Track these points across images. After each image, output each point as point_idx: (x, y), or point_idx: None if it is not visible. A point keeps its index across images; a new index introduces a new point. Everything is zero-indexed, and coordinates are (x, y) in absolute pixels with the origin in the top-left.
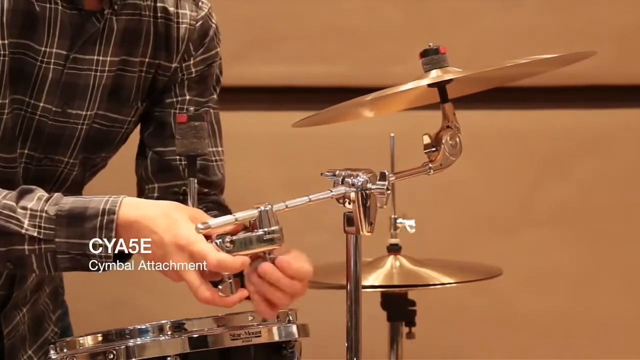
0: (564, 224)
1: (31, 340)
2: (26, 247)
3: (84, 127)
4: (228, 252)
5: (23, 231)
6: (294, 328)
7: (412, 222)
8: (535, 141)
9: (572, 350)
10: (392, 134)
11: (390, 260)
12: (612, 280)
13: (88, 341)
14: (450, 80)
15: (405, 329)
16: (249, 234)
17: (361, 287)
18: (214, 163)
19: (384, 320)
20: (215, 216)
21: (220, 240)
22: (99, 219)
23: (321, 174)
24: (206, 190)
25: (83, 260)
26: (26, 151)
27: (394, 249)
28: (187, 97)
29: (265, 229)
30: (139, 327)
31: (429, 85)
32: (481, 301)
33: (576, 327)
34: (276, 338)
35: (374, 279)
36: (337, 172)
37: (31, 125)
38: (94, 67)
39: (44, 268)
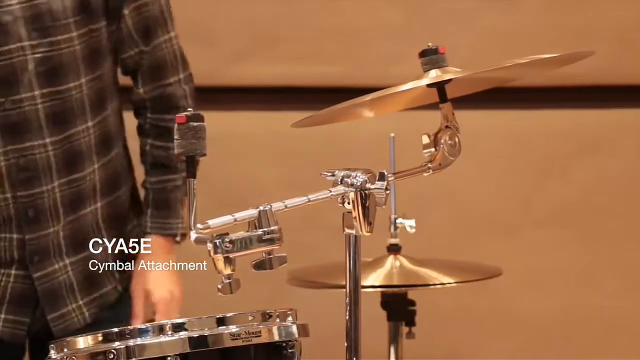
0: (564, 224)
1: (82, 291)
2: None
3: (29, 57)
4: (227, 252)
5: None
6: (294, 328)
7: (412, 222)
8: (535, 141)
9: (572, 350)
10: (392, 134)
11: (390, 260)
12: (612, 280)
13: (88, 341)
14: (449, 80)
15: (405, 329)
16: (248, 233)
17: (361, 287)
18: (165, 50)
19: (384, 320)
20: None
21: (219, 240)
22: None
23: (320, 174)
24: (165, 82)
25: None
26: None
27: (394, 249)
28: None
29: (265, 229)
30: (139, 327)
31: (428, 85)
32: (481, 301)
33: (576, 327)
34: (276, 338)
35: (374, 279)
36: (336, 172)
37: None
38: (8, 2)
39: None
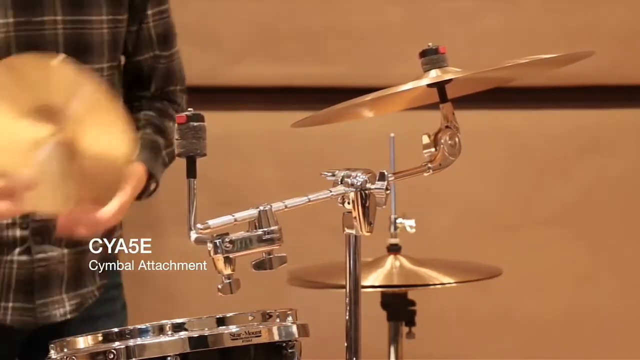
0: (564, 224)
1: (69, 284)
2: None
3: (59, 32)
4: (227, 252)
5: None
6: (294, 328)
7: (412, 222)
8: (535, 141)
9: (572, 350)
10: (392, 134)
11: (390, 260)
12: (612, 280)
13: (88, 341)
14: (449, 80)
15: (405, 329)
16: (248, 233)
17: (361, 287)
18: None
19: (384, 320)
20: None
21: (219, 240)
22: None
23: (320, 174)
24: (171, 88)
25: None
26: None
27: (394, 249)
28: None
29: (265, 229)
30: (139, 327)
31: (428, 85)
32: (481, 301)
33: (576, 327)
34: (276, 338)
35: (374, 279)
36: (336, 172)
37: (22, 42)
38: None
39: None
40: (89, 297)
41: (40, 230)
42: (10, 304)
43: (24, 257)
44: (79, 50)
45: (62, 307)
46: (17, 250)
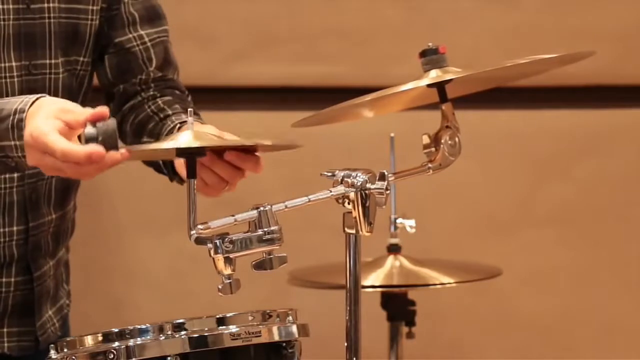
0: (564, 224)
1: (52, 299)
2: None
3: (52, 21)
4: (227, 252)
5: None
6: (294, 328)
7: (412, 222)
8: (535, 141)
9: (572, 350)
10: (392, 134)
11: (390, 260)
12: (612, 280)
13: (88, 341)
14: (449, 81)
15: (405, 329)
16: (248, 234)
17: (361, 287)
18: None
19: (384, 320)
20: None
21: (219, 240)
22: (11, 118)
23: (320, 174)
24: (162, 73)
25: (7, 161)
26: (13, 64)
27: (394, 249)
28: None
29: (265, 229)
30: (139, 327)
31: (429, 86)
32: (481, 301)
33: (576, 327)
34: (276, 338)
35: (374, 279)
36: (336, 172)
37: (8, 32)
38: None
39: None
40: (65, 308)
41: (39, 243)
42: (6, 330)
43: (21, 277)
44: (69, 41)
45: (52, 325)
46: (15, 269)
